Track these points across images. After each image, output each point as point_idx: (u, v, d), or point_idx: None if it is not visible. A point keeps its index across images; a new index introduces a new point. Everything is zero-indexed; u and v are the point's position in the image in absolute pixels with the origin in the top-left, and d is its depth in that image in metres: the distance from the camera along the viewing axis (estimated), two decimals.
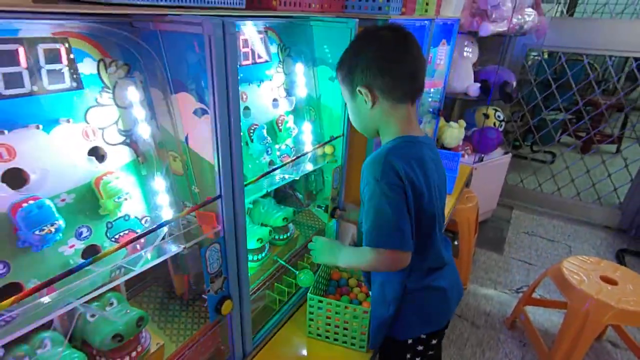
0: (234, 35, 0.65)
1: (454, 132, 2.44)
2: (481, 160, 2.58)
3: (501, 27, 2.28)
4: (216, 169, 0.72)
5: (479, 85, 2.46)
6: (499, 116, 2.74)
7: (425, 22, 1.50)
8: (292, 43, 1.12)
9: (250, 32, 0.98)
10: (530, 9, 2.47)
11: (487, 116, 2.69)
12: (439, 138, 2.47)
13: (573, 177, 3.14)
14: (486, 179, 2.64)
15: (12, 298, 0.49)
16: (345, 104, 0.93)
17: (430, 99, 2.11)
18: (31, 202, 0.53)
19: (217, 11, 0.75)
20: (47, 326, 0.61)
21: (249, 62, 1.00)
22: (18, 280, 0.56)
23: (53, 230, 0.54)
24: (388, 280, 0.91)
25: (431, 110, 2.12)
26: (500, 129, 2.74)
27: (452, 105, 3.03)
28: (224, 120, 0.69)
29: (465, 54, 2.53)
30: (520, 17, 2.40)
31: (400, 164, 0.77)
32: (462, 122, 2.47)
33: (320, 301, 0.99)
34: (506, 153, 2.83)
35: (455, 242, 2.21)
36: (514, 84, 2.65)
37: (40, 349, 0.60)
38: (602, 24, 2.90)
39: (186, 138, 0.75)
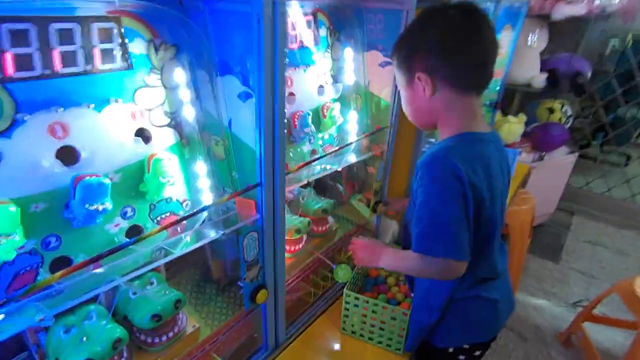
0: (284, 15, 0.61)
1: (513, 127, 2.23)
2: (541, 159, 2.35)
3: (579, 10, 2.01)
4: (258, 155, 0.70)
5: (546, 75, 2.21)
6: (566, 111, 2.46)
7: (489, 3, 1.36)
8: (342, 26, 1.06)
9: (299, 14, 0.93)
10: None
11: (551, 111, 2.43)
12: None
13: None
14: (545, 179, 2.40)
15: (64, 270, 0.51)
16: (398, 92, 0.86)
17: (487, 90, 1.94)
18: (94, 177, 0.55)
19: None
20: (93, 300, 0.64)
21: (296, 45, 0.96)
22: (68, 254, 0.58)
23: (101, 209, 0.55)
24: (435, 288, 0.84)
25: (488, 102, 1.95)
26: (567, 126, 2.46)
27: (511, 98, 2.77)
28: (268, 105, 0.66)
29: (531, 40, 2.28)
30: None
31: (462, 167, 0.68)
32: (522, 117, 2.25)
33: (357, 298, 0.95)
34: (572, 152, 2.54)
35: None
36: (589, 74, 2.34)
37: (86, 320, 0.62)
38: None
39: (229, 122, 0.73)
